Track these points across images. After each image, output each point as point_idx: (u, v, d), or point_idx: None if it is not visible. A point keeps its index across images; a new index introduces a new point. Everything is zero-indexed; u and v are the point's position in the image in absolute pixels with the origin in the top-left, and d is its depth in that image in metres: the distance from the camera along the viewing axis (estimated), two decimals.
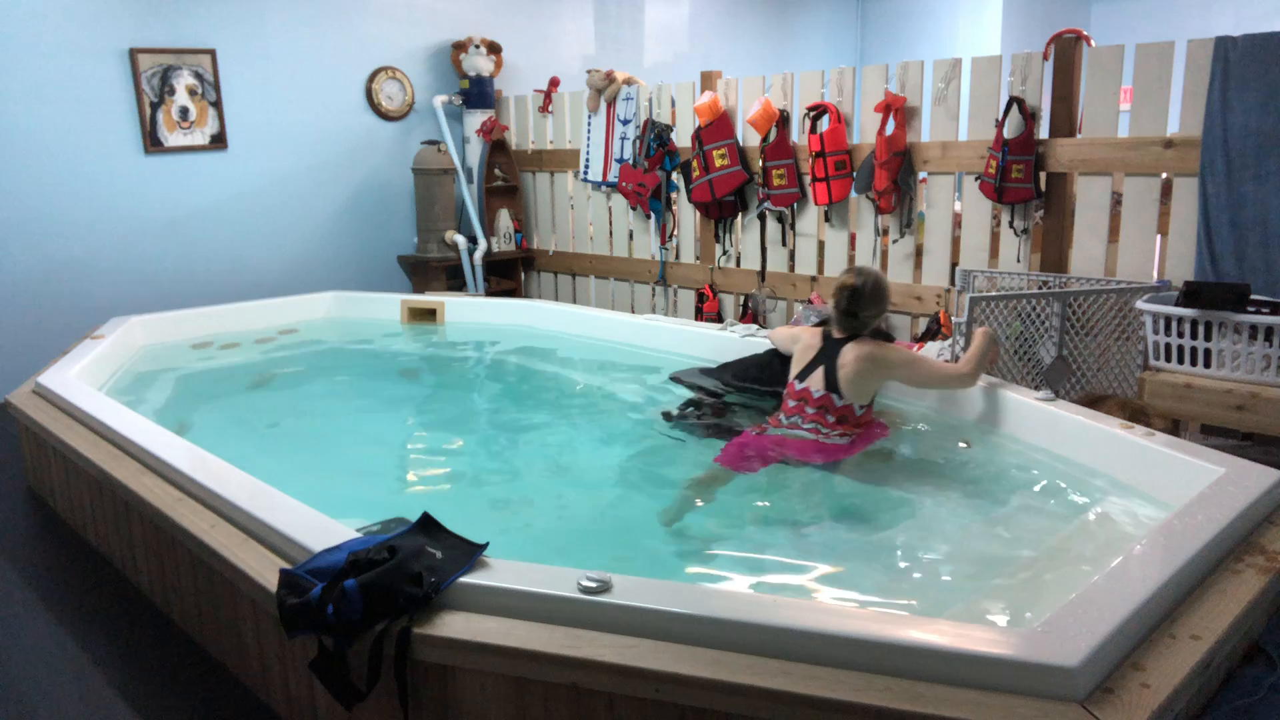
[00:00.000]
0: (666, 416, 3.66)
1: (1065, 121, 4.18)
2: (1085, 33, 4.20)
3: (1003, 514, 2.82)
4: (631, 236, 6.11)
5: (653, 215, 5.83)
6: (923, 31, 9.48)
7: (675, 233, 5.81)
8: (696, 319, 5.52)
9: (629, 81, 5.92)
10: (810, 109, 4.93)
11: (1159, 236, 4.01)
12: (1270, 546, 2.28)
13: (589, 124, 6.07)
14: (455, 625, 1.94)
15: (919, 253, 4.73)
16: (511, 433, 3.85)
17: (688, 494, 3.00)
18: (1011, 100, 4.22)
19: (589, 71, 6.02)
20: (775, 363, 3.74)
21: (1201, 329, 3.33)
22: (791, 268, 5.28)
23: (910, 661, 1.73)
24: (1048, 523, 2.72)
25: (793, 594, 2.41)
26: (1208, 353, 3.34)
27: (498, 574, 2.03)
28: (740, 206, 5.38)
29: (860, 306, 3.19)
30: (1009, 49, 8.01)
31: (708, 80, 5.40)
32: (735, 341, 4.16)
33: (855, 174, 4.82)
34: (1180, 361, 3.41)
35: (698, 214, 5.66)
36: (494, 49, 6.53)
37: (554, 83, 6.39)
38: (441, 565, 2.04)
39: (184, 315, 5.15)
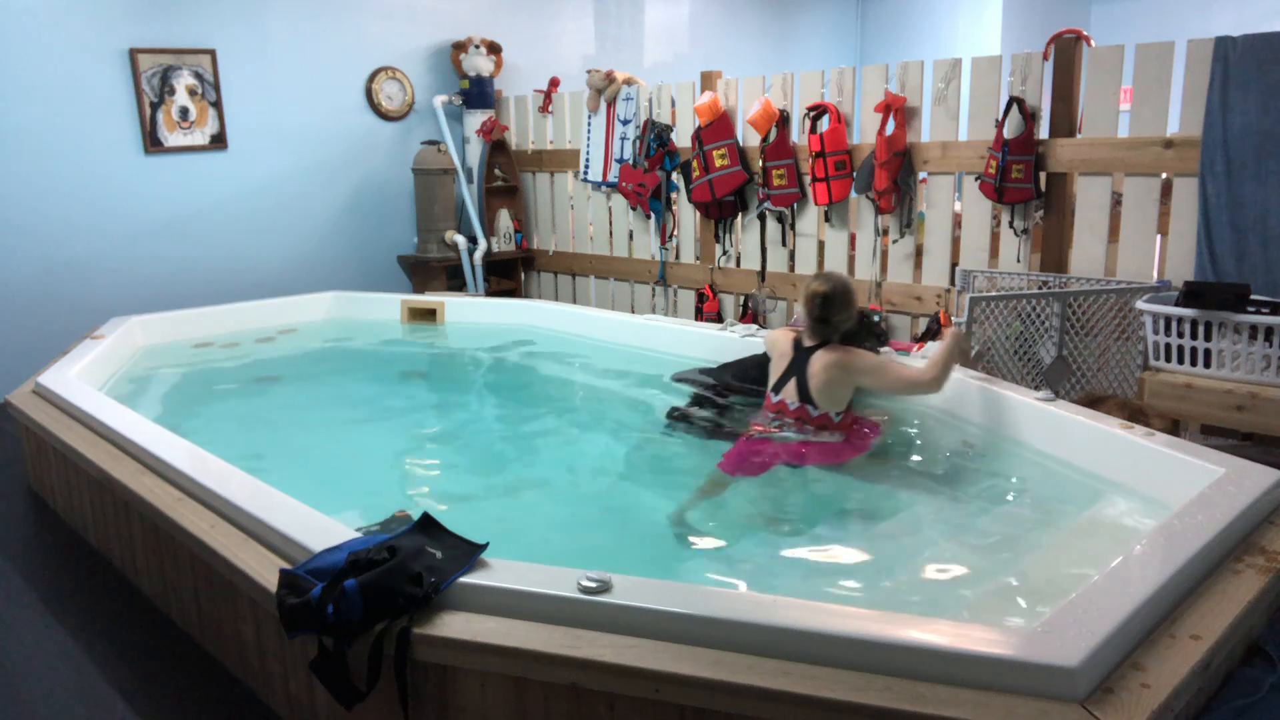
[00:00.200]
0: (669, 416, 3.66)
1: (1065, 121, 4.18)
2: (1085, 33, 4.20)
3: (1002, 514, 2.82)
4: (631, 236, 6.10)
5: (653, 215, 5.83)
6: (923, 31, 9.48)
7: (675, 233, 5.81)
8: (696, 319, 5.52)
9: (629, 81, 5.92)
10: (810, 109, 4.93)
11: (1159, 236, 4.01)
12: (1270, 546, 2.28)
13: (589, 124, 6.07)
14: (455, 625, 1.94)
15: (919, 253, 4.73)
16: (511, 433, 3.85)
17: (694, 499, 3.00)
18: (1011, 100, 4.22)
19: (589, 71, 6.02)
20: None
21: (1201, 329, 3.33)
22: (791, 268, 5.28)
23: (910, 661, 1.73)
24: (1048, 523, 2.72)
25: (793, 594, 2.41)
26: (1208, 353, 3.35)
27: (498, 574, 2.03)
28: (740, 206, 5.38)
29: (832, 312, 3.20)
30: (1009, 49, 8.00)
31: (708, 80, 5.40)
32: (735, 342, 4.16)
33: (855, 174, 4.81)
34: (1180, 362, 3.41)
35: (698, 214, 5.66)
36: (494, 49, 6.53)
37: (554, 83, 6.39)
38: (441, 565, 2.04)
39: (184, 315, 5.15)
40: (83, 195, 5.26)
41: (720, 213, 5.45)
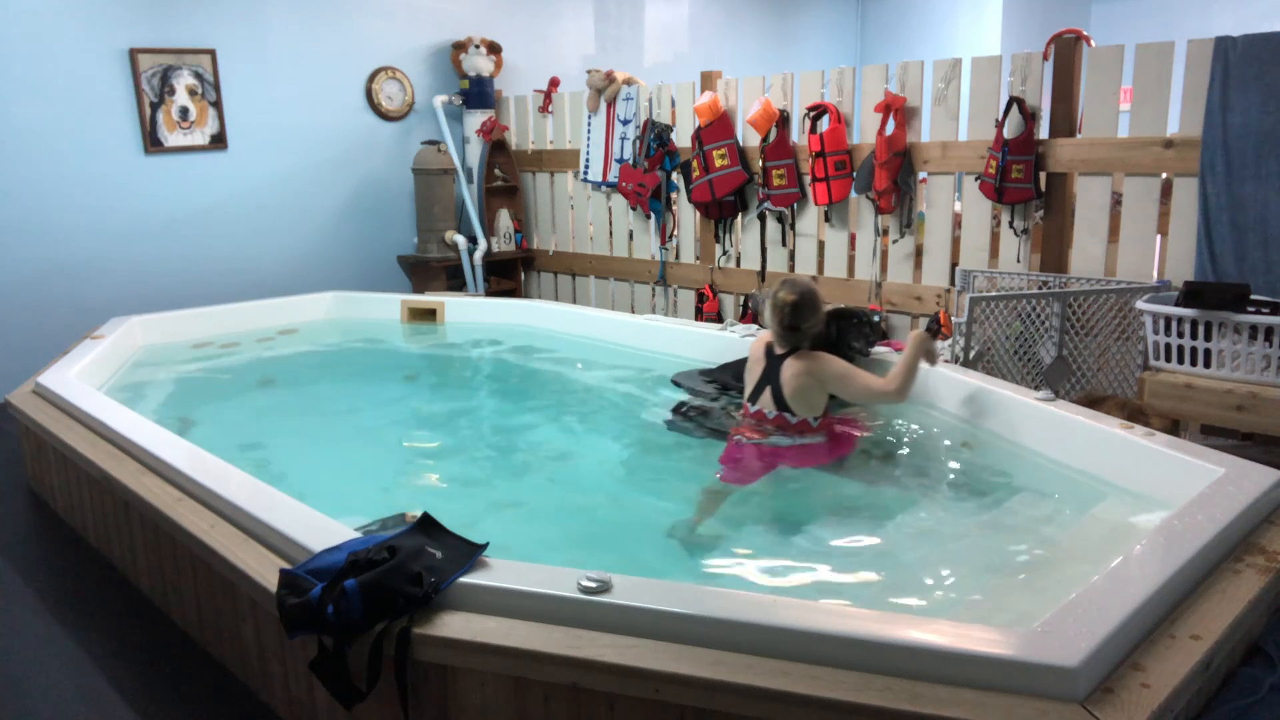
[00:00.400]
0: (669, 415, 3.66)
1: (1065, 121, 4.18)
2: (1085, 33, 4.20)
3: (1002, 514, 2.82)
4: (631, 236, 6.10)
5: (653, 215, 5.83)
6: (923, 31, 9.48)
7: (675, 233, 5.81)
8: (696, 319, 5.52)
9: (629, 81, 5.92)
10: (810, 109, 4.93)
11: (1159, 236, 4.01)
12: (1270, 546, 2.28)
13: (589, 124, 6.07)
14: (455, 625, 1.94)
15: (919, 253, 4.73)
16: (511, 433, 3.85)
17: (700, 516, 2.99)
18: (1011, 100, 4.22)
19: (589, 71, 6.02)
20: None
21: (1201, 329, 3.33)
22: (791, 268, 5.27)
23: (910, 661, 1.73)
24: (1047, 523, 2.72)
25: (793, 594, 2.41)
26: (1208, 353, 3.34)
27: (498, 574, 2.03)
28: (740, 206, 5.38)
29: (802, 319, 3.21)
30: (1009, 49, 8.00)
31: (708, 80, 5.40)
32: (735, 342, 4.16)
33: (855, 174, 4.82)
34: (1180, 361, 3.41)
35: (698, 214, 5.66)
36: (494, 49, 6.53)
37: (554, 83, 6.39)
38: (441, 565, 2.04)
39: (184, 315, 5.15)
40: (83, 195, 5.26)
41: (720, 213, 5.45)
